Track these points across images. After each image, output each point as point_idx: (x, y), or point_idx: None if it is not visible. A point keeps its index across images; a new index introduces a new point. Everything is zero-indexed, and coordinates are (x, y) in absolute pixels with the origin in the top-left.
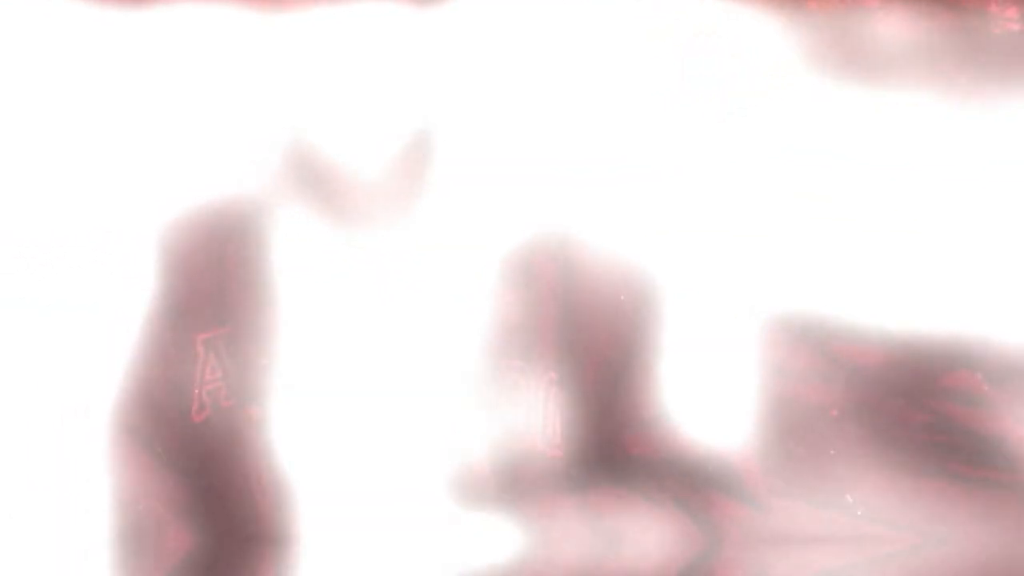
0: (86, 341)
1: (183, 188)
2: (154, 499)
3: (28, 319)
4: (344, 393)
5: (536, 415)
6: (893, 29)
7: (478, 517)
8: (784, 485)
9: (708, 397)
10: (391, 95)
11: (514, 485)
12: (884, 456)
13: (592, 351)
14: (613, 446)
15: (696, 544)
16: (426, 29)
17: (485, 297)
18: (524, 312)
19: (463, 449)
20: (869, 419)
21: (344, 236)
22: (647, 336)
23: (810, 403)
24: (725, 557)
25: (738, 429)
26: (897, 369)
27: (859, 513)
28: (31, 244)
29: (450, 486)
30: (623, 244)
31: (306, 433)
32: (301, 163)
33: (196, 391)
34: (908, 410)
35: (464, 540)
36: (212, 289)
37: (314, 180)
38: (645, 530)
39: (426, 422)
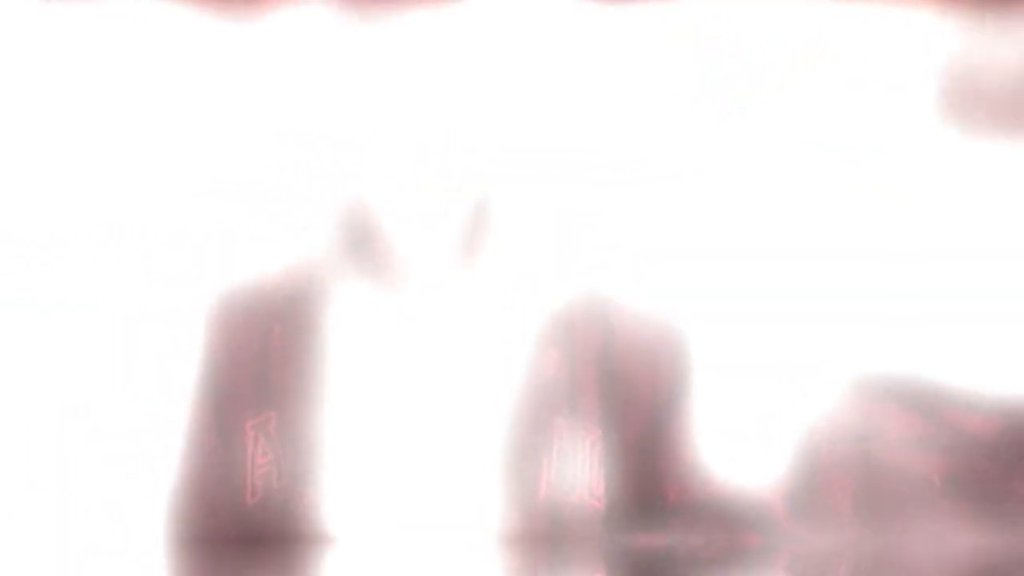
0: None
1: (234, 262)
2: None
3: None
4: (395, 453)
5: (579, 468)
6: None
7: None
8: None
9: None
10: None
11: (558, 532)
12: (983, 521)
13: (633, 407)
14: (653, 495)
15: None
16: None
17: (530, 357)
18: (567, 371)
19: (510, 501)
20: (973, 485)
21: (393, 300)
22: (685, 392)
23: (910, 469)
24: None
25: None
26: (1004, 435)
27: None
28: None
29: (498, 537)
30: (663, 303)
31: (358, 499)
32: (355, 231)
33: (248, 475)
34: (1013, 477)
35: None
36: (259, 374)
37: (367, 247)
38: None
39: (475, 477)
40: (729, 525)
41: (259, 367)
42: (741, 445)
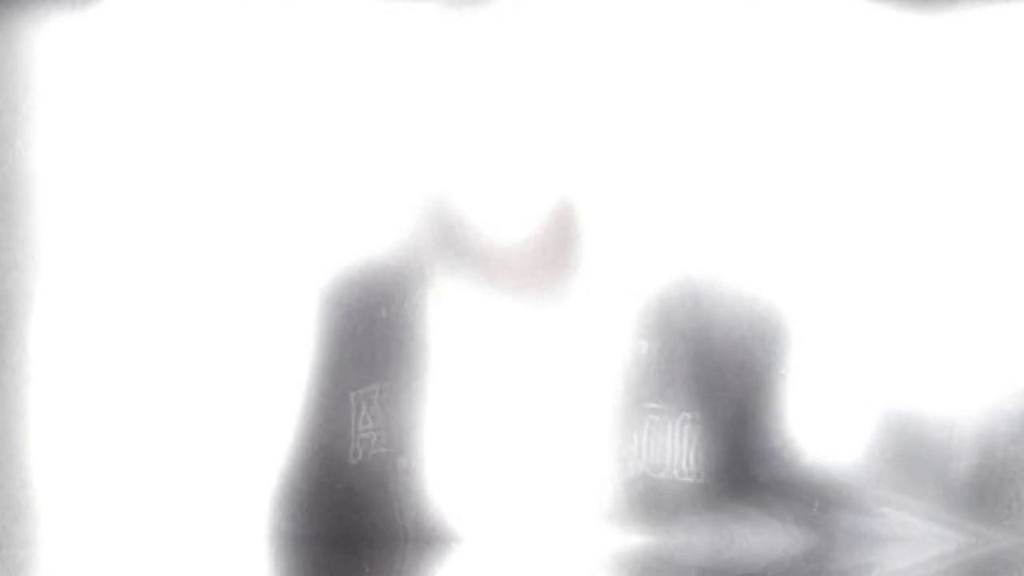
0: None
1: (340, 245)
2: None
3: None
4: (491, 437)
5: (674, 450)
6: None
7: (617, 535)
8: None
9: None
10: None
11: (652, 507)
12: None
13: (724, 390)
14: (743, 473)
15: (807, 546)
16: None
17: (623, 344)
18: (659, 357)
19: (605, 481)
20: None
21: (491, 291)
22: (775, 373)
23: None
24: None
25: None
26: None
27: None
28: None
29: (593, 515)
30: (752, 284)
31: (452, 474)
32: (450, 223)
33: (352, 439)
34: None
35: (603, 555)
36: (366, 350)
37: (463, 241)
38: (762, 536)
39: (571, 463)
40: (820, 503)
41: (365, 343)
42: (834, 426)
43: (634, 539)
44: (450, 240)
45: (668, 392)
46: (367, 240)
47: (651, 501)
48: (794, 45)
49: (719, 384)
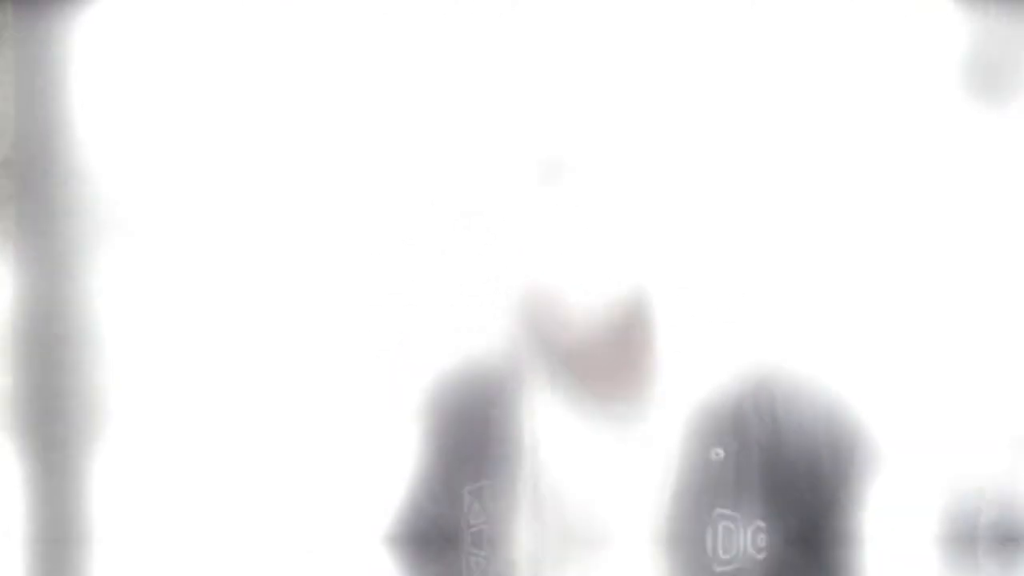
0: None
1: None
2: None
3: None
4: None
5: (742, 557)
6: None
7: None
8: None
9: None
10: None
11: None
12: None
13: (796, 499)
14: None
15: None
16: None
17: (696, 449)
18: (732, 463)
19: None
20: None
21: (575, 396)
22: (849, 483)
23: None
24: None
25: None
26: None
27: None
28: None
29: None
30: (826, 391)
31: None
32: (540, 330)
33: (464, 533)
34: None
35: None
36: (478, 447)
37: (550, 345)
38: None
39: (638, 561)
40: None
41: (478, 442)
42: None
43: None
44: (543, 344)
45: (739, 498)
46: (475, 342)
47: None
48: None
49: (792, 494)
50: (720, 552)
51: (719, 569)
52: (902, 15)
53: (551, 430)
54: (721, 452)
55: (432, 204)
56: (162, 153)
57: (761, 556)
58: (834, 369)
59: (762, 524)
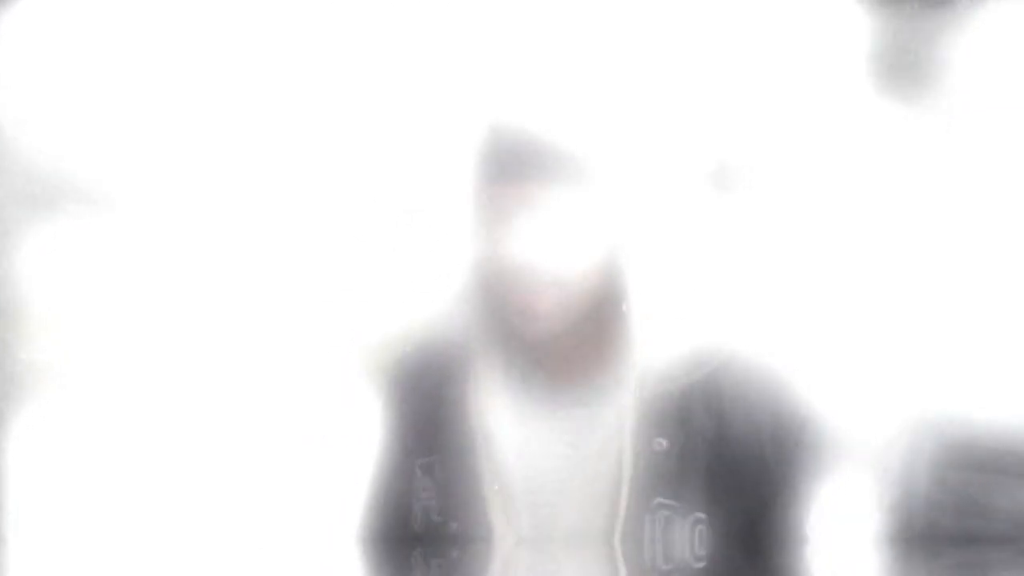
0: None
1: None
2: None
3: None
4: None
5: (680, 550)
6: None
7: None
8: None
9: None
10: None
11: None
12: None
13: (738, 493)
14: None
15: None
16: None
17: (638, 439)
18: (674, 455)
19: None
20: None
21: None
22: (792, 480)
23: None
24: None
25: None
26: None
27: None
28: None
29: None
30: (775, 386)
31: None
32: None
33: (414, 505)
34: None
35: None
36: (430, 421)
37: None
38: None
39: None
40: None
41: (431, 415)
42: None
43: None
44: (500, 330)
45: (681, 492)
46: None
47: None
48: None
49: (733, 489)
50: (657, 543)
51: (657, 561)
52: (809, 13)
53: (501, 411)
54: (664, 442)
55: (381, 197)
56: (100, 128)
57: (701, 557)
58: (784, 362)
59: (702, 516)
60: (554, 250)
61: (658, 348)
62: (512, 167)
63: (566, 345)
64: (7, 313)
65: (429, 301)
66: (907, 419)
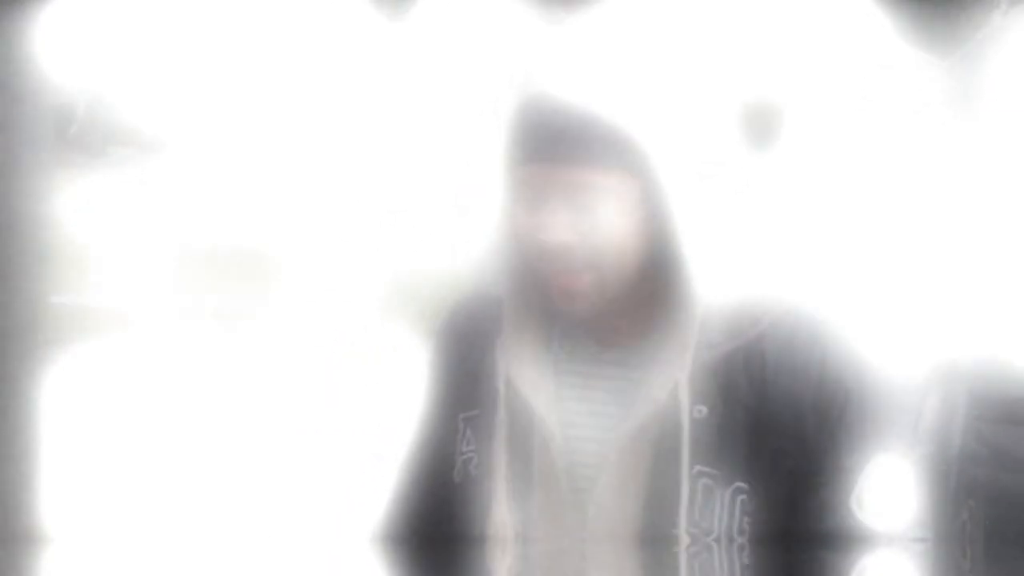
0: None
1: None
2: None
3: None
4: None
5: (721, 517)
6: None
7: None
8: None
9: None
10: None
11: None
12: None
13: (779, 461)
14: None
15: None
16: None
17: (679, 405)
18: (716, 422)
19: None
20: None
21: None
22: (835, 446)
23: None
24: None
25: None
26: None
27: None
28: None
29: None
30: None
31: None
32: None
33: (457, 459)
34: None
35: None
36: (474, 376)
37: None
38: None
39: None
40: None
41: (476, 369)
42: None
43: None
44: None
45: (722, 461)
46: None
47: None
48: None
49: (774, 455)
50: (696, 512)
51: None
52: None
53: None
54: (704, 409)
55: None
56: None
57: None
58: (828, 327)
59: (743, 486)
60: (589, 231)
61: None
62: (545, 147)
63: (605, 320)
64: (44, 256)
65: (473, 269)
66: (942, 371)
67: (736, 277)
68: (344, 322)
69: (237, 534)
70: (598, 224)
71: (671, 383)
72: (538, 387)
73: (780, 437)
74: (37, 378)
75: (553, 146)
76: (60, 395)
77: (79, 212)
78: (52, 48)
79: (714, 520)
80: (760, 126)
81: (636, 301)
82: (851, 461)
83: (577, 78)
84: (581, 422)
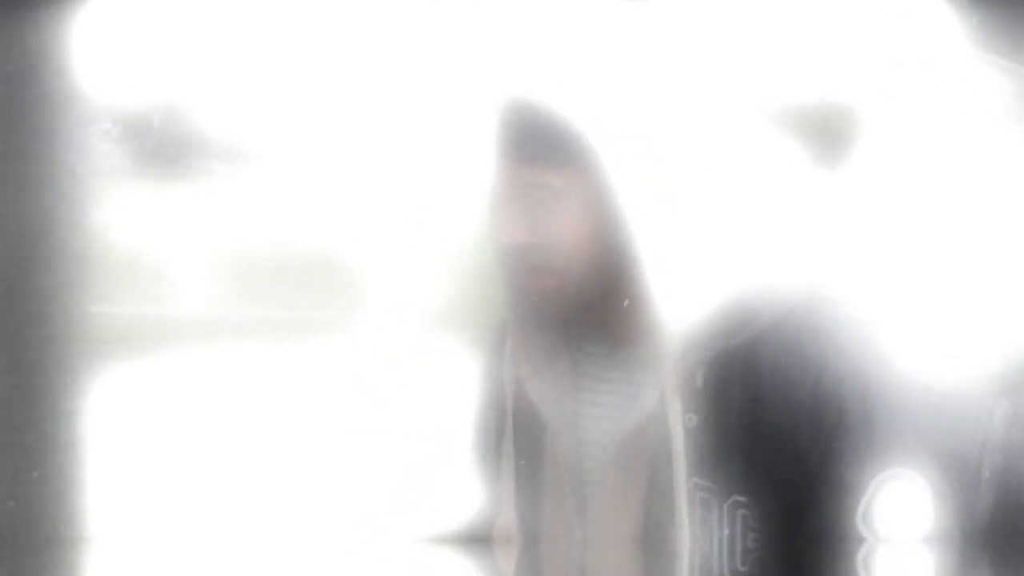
0: None
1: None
2: None
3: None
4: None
5: (721, 534)
6: None
7: None
8: None
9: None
10: None
11: None
12: None
13: (776, 472)
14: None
15: None
16: None
17: (675, 417)
18: (710, 434)
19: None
20: None
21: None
22: (832, 456)
23: None
24: None
25: None
26: None
27: None
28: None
29: None
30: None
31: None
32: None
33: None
34: None
35: None
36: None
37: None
38: None
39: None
40: None
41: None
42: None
43: None
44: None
45: (718, 473)
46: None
47: None
48: None
49: (771, 467)
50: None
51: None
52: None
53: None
54: (695, 417)
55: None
56: None
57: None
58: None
59: (742, 500)
60: (563, 233)
61: (689, 315)
62: (522, 148)
63: (593, 322)
64: (91, 263)
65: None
66: (1011, 380)
67: (734, 277)
68: (404, 329)
69: (291, 541)
70: (554, 225)
71: (658, 390)
72: (545, 388)
73: (774, 447)
74: (88, 387)
75: (513, 147)
76: (118, 403)
77: (153, 223)
78: (118, 56)
79: (714, 535)
80: (827, 132)
81: (611, 304)
82: (852, 474)
83: (577, 78)
84: (582, 425)
